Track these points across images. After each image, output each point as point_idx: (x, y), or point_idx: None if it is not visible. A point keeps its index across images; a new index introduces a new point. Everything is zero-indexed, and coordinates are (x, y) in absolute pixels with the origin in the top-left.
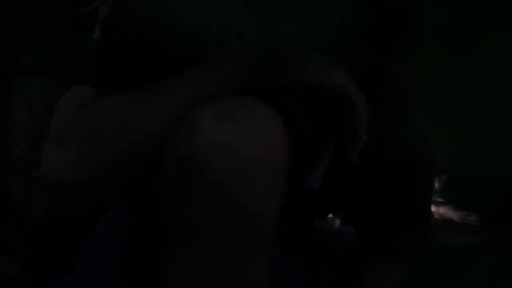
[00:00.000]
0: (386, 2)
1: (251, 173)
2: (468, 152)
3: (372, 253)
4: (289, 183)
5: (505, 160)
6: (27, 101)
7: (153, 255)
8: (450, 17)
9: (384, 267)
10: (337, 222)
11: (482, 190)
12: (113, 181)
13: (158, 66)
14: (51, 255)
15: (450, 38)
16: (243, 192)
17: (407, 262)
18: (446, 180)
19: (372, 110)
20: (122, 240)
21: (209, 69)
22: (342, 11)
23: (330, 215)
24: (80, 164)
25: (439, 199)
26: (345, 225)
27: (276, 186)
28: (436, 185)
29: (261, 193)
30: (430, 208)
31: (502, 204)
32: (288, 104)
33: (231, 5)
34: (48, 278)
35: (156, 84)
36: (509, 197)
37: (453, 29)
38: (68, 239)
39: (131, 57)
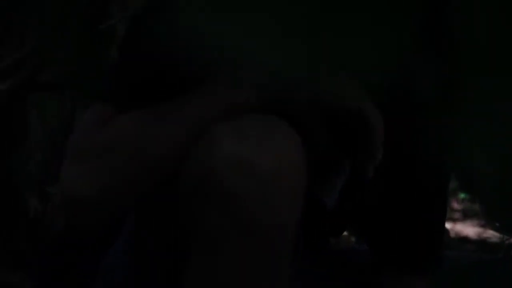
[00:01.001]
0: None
1: (270, 188)
2: (507, 171)
3: (387, 271)
4: (306, 200)
5: None
6: (43, 117)
7: (170, 270)
8: (493, 36)
9: (399, 286)
10: (352, 239)
11: None
12: (131, 197)
13: (175, 83)
14: (66, 271)
15: (493, 54)
16: (261, 207)
17: (422, 281)
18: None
19: (391, 126)
20: (138, 256)
21: (227, 85)
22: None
23: (345, 233)
24: (98, 180)
25: (456, 217)
26: (360, 242)
27: (294, 202)
28: (455, 204)
29: (279, 208)
30: (444, 226)
31: None
32: (305, 121)
33: (250, 23)
34: None
35: (174, 101)
36: None
37: (495, 45)
38: (84, 255)
39: (148, 75)
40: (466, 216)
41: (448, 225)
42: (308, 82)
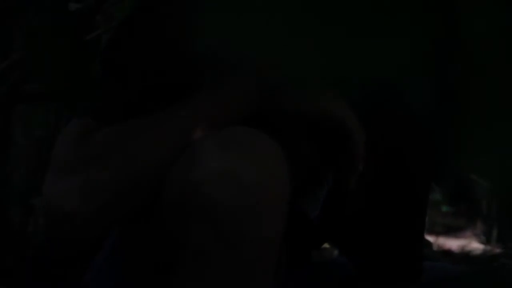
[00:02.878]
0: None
1: (254, 200)
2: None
3: (367, 283)
4: (288, 212)
5: None
6: (27, 128)
7: (156, 282)
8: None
9: None
10: (334, 252)
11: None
12: (117, 211)
13: (160, 95)
14: (50, 284)
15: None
16: (246, 219)
17: None
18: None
19: (372, 138)
20: (123, 270)
21: (212, 97)
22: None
23: (326, 245)
24: (83, 194)
25: (439, 230)
26: (341, 254)
27: (278, 214)
28: (438, 217)
29: (263, 221)
30: (424, 237)
31: None
32: (288, 132)
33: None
34: None
35: (159, 113)
36: None
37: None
38: (69, 268)
39: (133, 86)
40: (449, 229)
41: (431, 238)
42: (292, 93)
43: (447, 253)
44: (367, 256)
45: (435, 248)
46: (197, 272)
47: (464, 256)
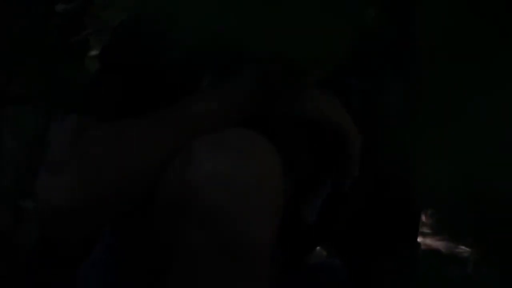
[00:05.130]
0: (378, 35)
1: (247, 201)
2: (466, 184)
3: (359, 286)
4: (286, 217)
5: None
6: (16, 131)
7: (149, 284)
8: (444, 48)
9: None
10: (324, 254)
11: (479, 221)
12: (106, 208)
13: (156, 95)
14: (42, 285)
15: (445, 68)
16: (240, 221)
17: None
18: (440, 212)
19: (365, 142)
20: (115, 269)
21: (209, 98)
22: (337, 43)
23: (318, 247)
24: (75, 190)
25: (426, 230)
26: (332, 257)
27: (272, 216)
28: (423, 217)
29: (258, 223)
30: (417, 240)
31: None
32: (285, 136)
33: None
34: None
35: (155, 112)
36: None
37: (449, 60)
38: (60, 268)
39: (128, 86)
40: (436, 230)
41: (419, 239)
42: (290, 96)
43: (435, 253)
44: (359, 258)
45: (423, 248)
46: (190, 273)
47: (452, 257)
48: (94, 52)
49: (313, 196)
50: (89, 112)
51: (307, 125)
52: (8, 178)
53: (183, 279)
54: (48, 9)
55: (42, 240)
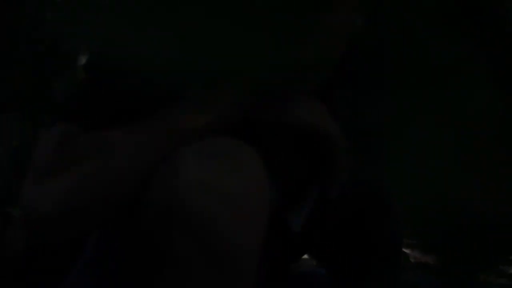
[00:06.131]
0: (362, 46)
1: (233, 209)
2: (433, 195)
3: None
4: (272, 224)
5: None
6: (3, 138)
7: None
8: (422, 62)
9: None
10: (313, 263)
11: (446, 231)
12: (94, 215)
13: (143, 103)
14: None
15: (423, 81)
16: (227, 229)
17: None
18: (411, 221)
19: (351, 152)
20: (100, 277)
21: (194, 106)
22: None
23: (305, 256)
24: (61, 197)
25: (407, 241)
26: (319, 266)
27: (257, 223)
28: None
29: (245, 231)
30: (401, 250)
31: (463, 245)
32: (271, 143)
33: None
34: None
35: (141, 120)
36: (471, 238)
37: (425, 73)
38: (46, 275)
39: (115, 95)
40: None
41: (407, 250)
42: (276, 104)
43: (424, 265)
44: (343, 268)
45: (411, 260)
46: (177, 281)
47: (431, 267)
48: (82, 60)
49: (299, 203)
50: (76, 121)
51: (293, 132)
52: None
53: (169, 286)
54: (35, 18)
55: (29, 247)
